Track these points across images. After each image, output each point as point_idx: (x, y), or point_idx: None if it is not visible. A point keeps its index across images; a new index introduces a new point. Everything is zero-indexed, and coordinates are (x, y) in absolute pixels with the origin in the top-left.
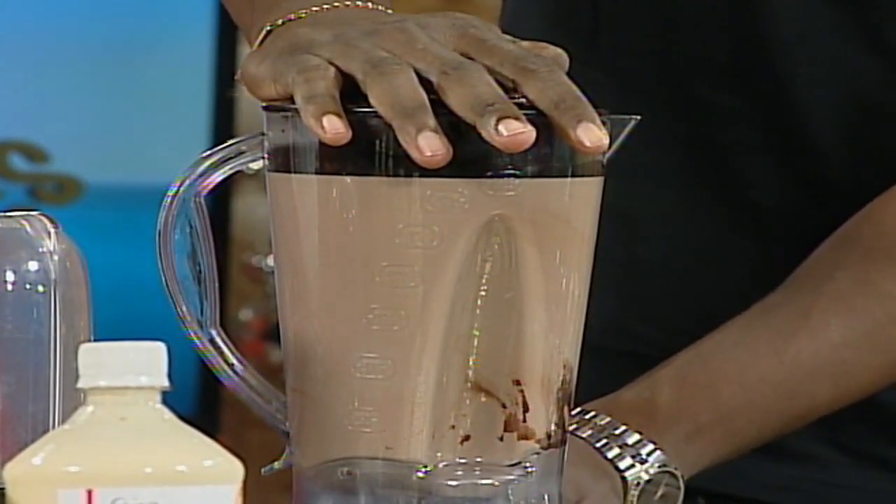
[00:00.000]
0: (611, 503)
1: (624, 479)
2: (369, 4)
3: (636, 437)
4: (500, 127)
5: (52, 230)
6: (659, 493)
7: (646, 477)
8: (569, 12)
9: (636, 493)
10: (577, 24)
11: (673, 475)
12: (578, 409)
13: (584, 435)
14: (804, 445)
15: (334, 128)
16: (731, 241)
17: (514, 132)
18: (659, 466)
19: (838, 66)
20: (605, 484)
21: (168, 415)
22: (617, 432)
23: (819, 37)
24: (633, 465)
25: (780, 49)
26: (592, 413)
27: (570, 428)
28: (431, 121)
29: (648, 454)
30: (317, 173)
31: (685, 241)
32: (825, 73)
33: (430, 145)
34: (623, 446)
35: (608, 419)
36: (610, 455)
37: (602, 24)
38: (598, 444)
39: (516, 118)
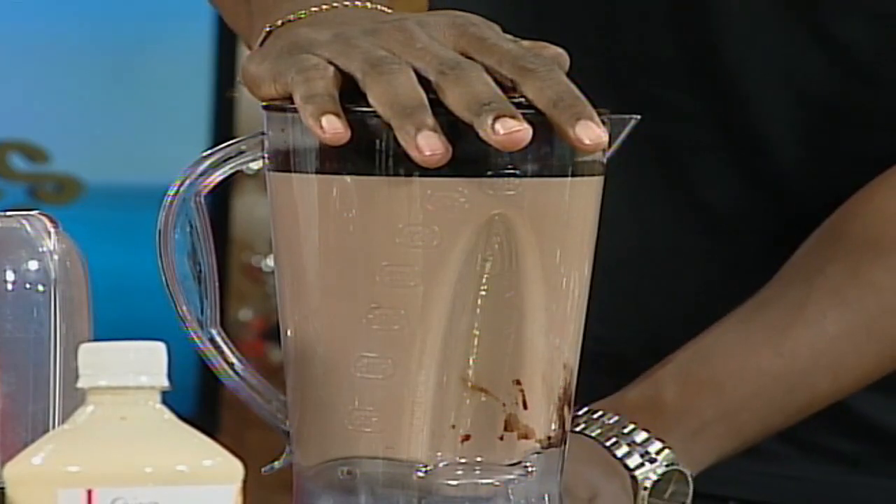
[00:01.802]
0: (622, 502)
1: (634, 477)
2: (368, 4)
3: (644, 435)
4: (497, 125)
5: (52, 230)
6: (669, 492)
7: (654, 476)
8: (512, 8)
9: (646, 492)
10: (520, 20)
11: (682, 473)
12: (586, 409)
13: (593, 434)
14: None
15: (333, 127)
16: (682, 240)
17: (511, 130)
18: (667, 465)
19: (787, 62)
20: (616, 483)
21: (168, 415)
22: (625, 431)
23: (767, 33)
24: (642, 464)
25: (728, 46)
26: (600, 412)
27: (579, 427)
28: (430, 120)
29: (657, 452)
30: (317, 173)
31: (636, 239)
32: (774, 70)
33: (429, 144)
34: (632, 444)
35: (616, 417)
36: (619, 454)
37: (545, 20)
38: (607, 444)
39: (513, 116)
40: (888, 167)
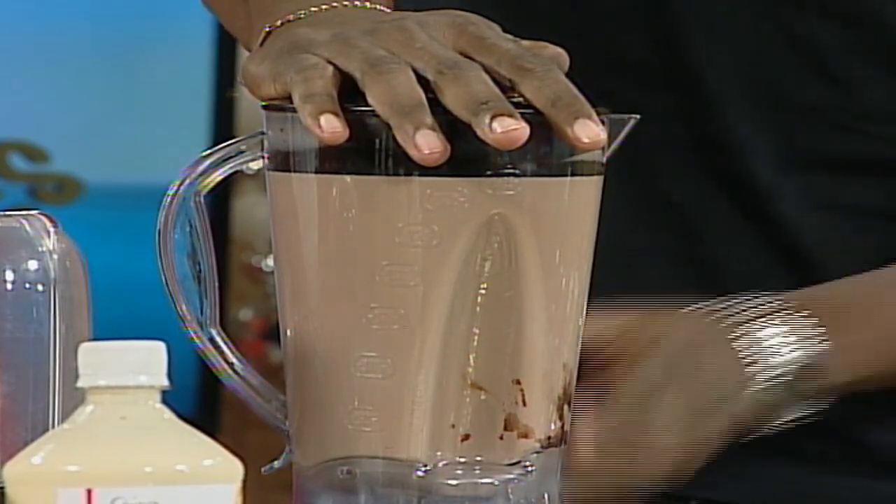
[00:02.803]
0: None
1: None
2: (367, 4)
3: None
4: (494, 124)
5: (52, 229)
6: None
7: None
8: (474, 10)
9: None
10: (486, 18)
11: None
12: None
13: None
14: None
15: (331, 126)
16: (649, 238)
17: (508, 129)
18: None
19: (753, 62)
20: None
21: (168, 414)
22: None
23: (734, 33)
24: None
25: (694, 45)
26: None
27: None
28: (429, 119)
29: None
30: (316, 172)
31: (603, 238)
32: (741, 70)
33: (427, 143)
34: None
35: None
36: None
37: (511, 19)
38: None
39: (510, 115)
40: (855, 167)
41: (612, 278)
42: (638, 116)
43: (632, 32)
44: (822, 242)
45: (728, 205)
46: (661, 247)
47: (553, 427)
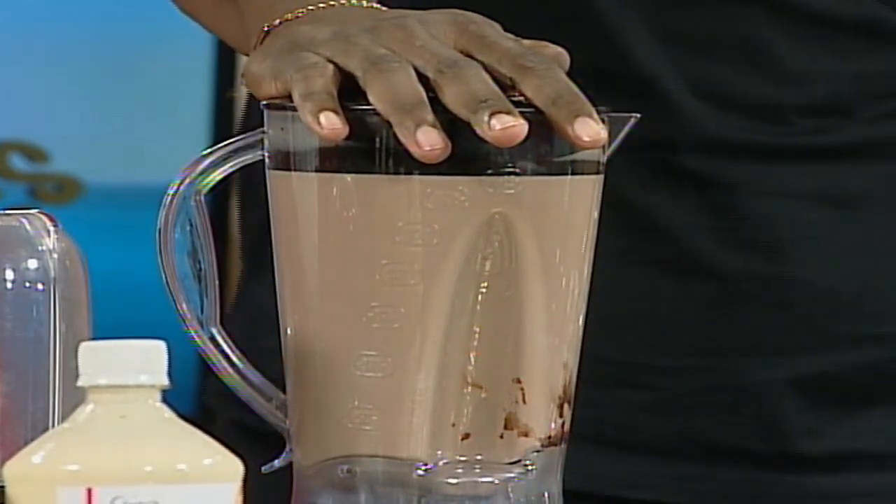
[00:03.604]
0: None
1: None
2: (364, 2)
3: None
4: (493, 121)
5: (52, 228)
6: None
7: None
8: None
9: None
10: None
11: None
12: None
13: None
14: (653, 438)
15: (331, 123)
16: (603, 240)
17: (506, 126)
18: None
19: (698, 64)
20: None
21: (168, 413)
22: None
23: (678, 37)
24: None
25: (640, 53)
26: None
27: None
28: (430, 116)
29: None
30: (316, 171)
31: None
32: (685, 71)
33: (428, 139)
34: None
35: None
36: None
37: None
38: None
39: (509, 112)
40: (802, 163)
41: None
42: (638, 115)
43: (566, 39)
44: (786, 229)
45: (672, 204)
46: (620, 249)
47: (553, 426)
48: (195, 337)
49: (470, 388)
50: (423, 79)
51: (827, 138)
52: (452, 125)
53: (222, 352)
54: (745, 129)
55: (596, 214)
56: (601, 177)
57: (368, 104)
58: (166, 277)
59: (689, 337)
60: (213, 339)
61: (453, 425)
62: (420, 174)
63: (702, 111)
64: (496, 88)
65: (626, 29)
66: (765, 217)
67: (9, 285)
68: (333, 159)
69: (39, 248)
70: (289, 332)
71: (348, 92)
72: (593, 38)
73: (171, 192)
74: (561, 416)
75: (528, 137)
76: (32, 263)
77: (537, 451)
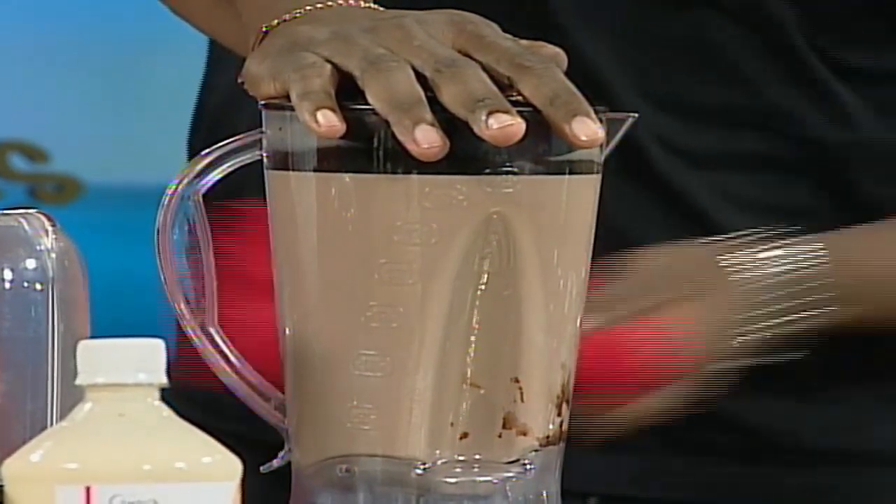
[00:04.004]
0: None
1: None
2: (361, 2)
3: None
4: (490, 120)
5: (50, 228)
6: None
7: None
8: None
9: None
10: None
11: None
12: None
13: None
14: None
15: (328, 121)
16: None
17: (504, 124)
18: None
19: (643, 63)
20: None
21: (166, 412)
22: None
23: (627, 38)
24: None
25: (588, 54)
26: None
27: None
28: (428, 115)
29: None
30: (315, 171)
31: None
32: (635, 72)
33: (426, 138)
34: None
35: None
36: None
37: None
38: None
39: (506, 111)
40: (755, 166)
41: None
42: (636, 115)
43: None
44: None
45: (649, 209)
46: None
47: (551, 425)
48: (194, 336)
49: (468, 388)
50: (421, 78)
51: (775, 146)
52: (450, 124)
53: (221, 352)
54: (692, 131)
55: (594, 214)
56: (599, 176)
57: (367, 104)
58: (165, 277)
59: None
60: (211, 338)
61: (452, 424)
62: (418, 174)
63: (651, 115)
64: (494, 88)
65: (580, 32)
66: (716, 223)
67: (7, 285)
68: (332, 159)
69: (38, 247)
70: (287, 331)
71: (347, 92)
72: (547, 41)
73: (169, 192)
74: (559, 415)
75: (525, 137)
76: (31, 263)
77: (536, 451)
